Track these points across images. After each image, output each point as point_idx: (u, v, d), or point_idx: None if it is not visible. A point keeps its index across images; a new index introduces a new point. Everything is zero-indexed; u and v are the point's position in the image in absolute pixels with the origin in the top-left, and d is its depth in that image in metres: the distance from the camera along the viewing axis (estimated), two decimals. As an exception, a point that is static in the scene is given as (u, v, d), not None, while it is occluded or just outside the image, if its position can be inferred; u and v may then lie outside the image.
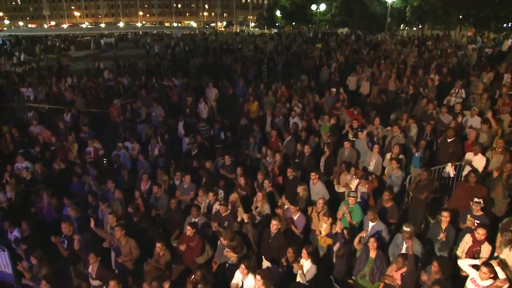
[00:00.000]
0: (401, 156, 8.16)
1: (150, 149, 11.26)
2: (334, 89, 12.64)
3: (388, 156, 8.28)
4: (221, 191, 8.48)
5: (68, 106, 14.51)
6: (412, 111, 11.94)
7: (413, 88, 12.97)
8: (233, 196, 7.42)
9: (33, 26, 72.56)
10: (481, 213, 6.00)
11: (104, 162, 10.38)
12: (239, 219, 6.64)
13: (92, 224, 6.61)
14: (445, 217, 5.93)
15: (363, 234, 5.86)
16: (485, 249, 5.42)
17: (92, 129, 12.75)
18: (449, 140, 8.45)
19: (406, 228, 5.59)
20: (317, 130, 11.33)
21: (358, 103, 14.46)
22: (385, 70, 15.73)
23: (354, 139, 9.76)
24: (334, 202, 7.82)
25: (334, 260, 6.41)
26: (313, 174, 7.65)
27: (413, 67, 16.31)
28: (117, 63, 24.08)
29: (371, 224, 6.23)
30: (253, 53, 27.68)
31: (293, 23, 57.28)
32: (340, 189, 8.14)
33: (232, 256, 6.21)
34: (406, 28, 44.55)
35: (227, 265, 6.38)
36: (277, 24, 60.75)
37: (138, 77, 18.27)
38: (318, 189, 7.66)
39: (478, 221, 5.81)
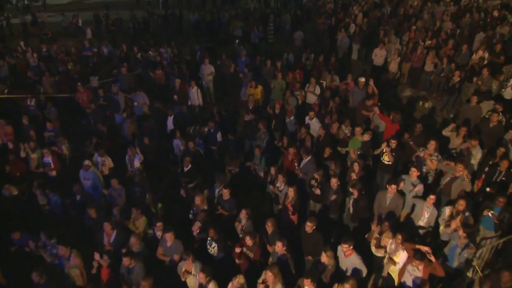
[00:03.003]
0: (467, 214, 5.76)
1: (127, 160, 8.90)
2: (362, 79, 9.89)
3: (447, 211, 5.86)
4: (214, 245, 6.35)
5: (32, 89, 11.84)
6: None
7: (459, 74, 10.25)
8: (237, 282, 5.20)
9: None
10: None
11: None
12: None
13: None
14: None
15: None
16: None
17: (60, 124, 10.21)
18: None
19: None
20: (338, 138, 8.93)
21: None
22: (417, 40, 12.79)
23: (390, 162, 7.40)
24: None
25: None
26: (345, 246, 5.35)
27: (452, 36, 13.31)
28: (97, 20, 20.38)
29: None
30: (256, 5, 23.97)
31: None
32: (378, 253, 5.97)
33: None
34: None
35: None
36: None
37: (119, 45, 15.02)
38: (352, 263, 5.44)
39: None
